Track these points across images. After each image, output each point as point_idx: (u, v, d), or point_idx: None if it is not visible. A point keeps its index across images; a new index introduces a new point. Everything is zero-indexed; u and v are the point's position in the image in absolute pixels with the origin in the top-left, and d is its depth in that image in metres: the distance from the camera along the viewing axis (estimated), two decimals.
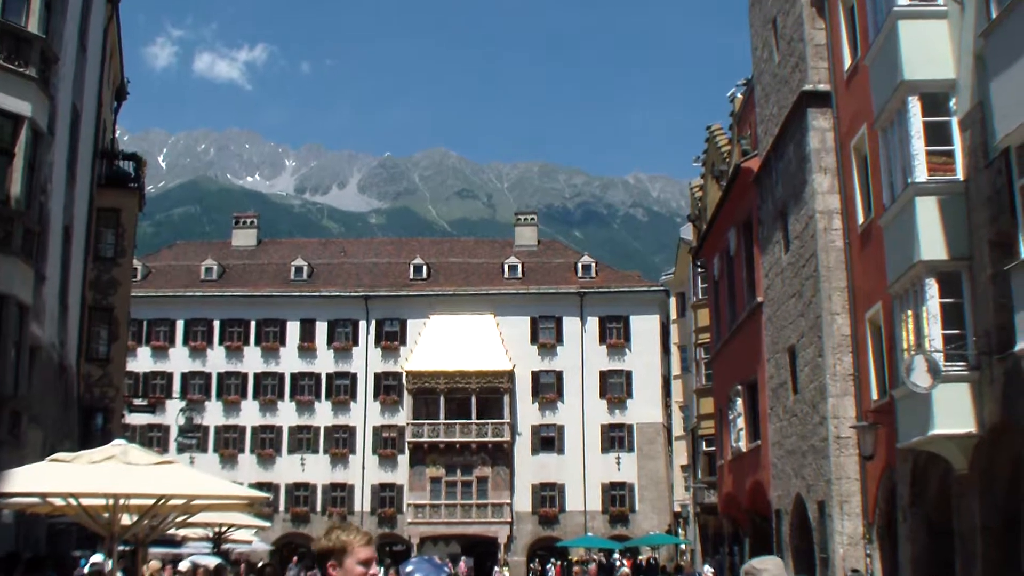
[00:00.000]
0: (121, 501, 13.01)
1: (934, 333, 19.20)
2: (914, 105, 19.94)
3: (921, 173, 19.69)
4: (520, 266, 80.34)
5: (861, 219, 25.92)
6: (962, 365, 18.95)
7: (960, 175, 19.57)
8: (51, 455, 13.59)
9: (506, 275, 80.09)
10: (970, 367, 18.88)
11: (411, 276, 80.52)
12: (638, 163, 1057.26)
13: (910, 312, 20.25)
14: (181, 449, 63.15)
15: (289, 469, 74.62)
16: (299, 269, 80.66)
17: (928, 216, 19.57)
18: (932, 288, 19.37)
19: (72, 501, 12.96)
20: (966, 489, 19.75)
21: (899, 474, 23.02)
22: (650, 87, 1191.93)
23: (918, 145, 19.80)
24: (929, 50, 19.98)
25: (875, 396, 25.03)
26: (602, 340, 76.54)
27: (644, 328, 76.64)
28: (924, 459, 21.47)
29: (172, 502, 13.30)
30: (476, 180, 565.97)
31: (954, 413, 18.93)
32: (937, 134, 19.99)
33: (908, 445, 20.72)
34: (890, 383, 23.55)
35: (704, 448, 50.35)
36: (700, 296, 50.80)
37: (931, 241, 19.47)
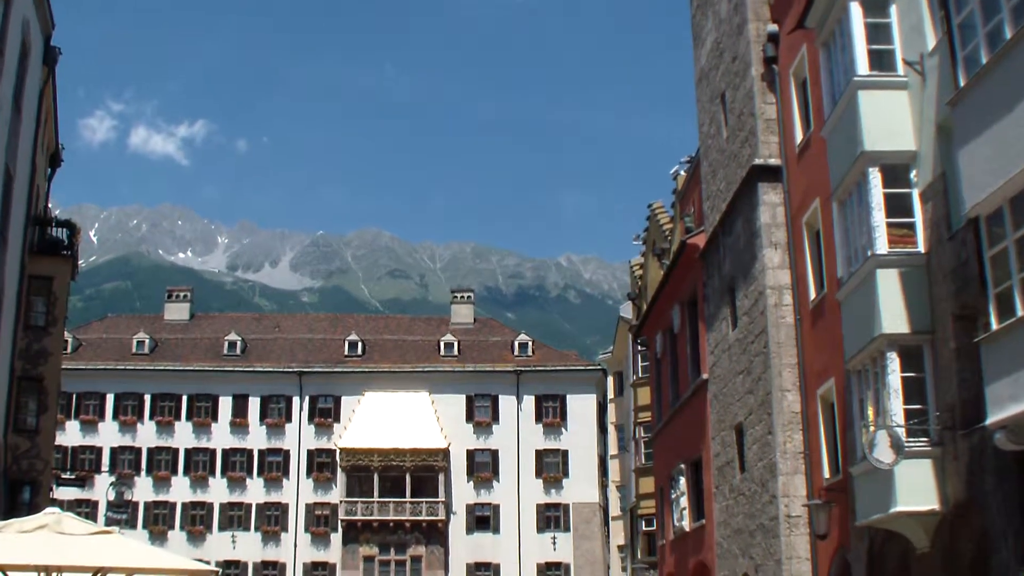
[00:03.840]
0: (54, 574, 12.12)
1: (895, 408, 18.81)
2: (875, 176, 19.70)
3: (882, 245, 19.42)
4: (456, 344, 79.82)
5: (813, 295, 25.62)
6: (924, 441, 18.55)
7: (921, 247, 19.33)
8: None
9: (442, 353, 79.54)
10: (932, 443, 18.48)
11: (346, 352, 79.75)
12: (570, 245, 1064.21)
13: (870, 387, 19.87)
14: (110, 524, 61.43)
15: (220, 547, 72.99)
16: (232, 344, 79.61)
17: (889, 289, 19.27)
18: (894, 362, 19.01)
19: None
20: (927, 569, 19.28)
21: (854, 554, 22.50)
22: (580, 170, 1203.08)
23: (879, 217, 19.53)
24: (890, 121, 19.79)
25: (827, 474, 24.59)
26: (538, 419, 76.12)
27: (581, 407, 76.36)
28: (882, 538, 20.98)
29: (110, 575, 12.42)
30: (409, 260, 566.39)
31: (916, 490, 18.49)
32: (897, 206, 19.75)
33: (868, 523, 20.23)
34: (843, 460, 23.14)
35: (643, 528, 49.67)
36: (640, 374, 50.37)
37: (893, 314, 19.14)
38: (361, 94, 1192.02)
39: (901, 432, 18.24)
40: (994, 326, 15.65)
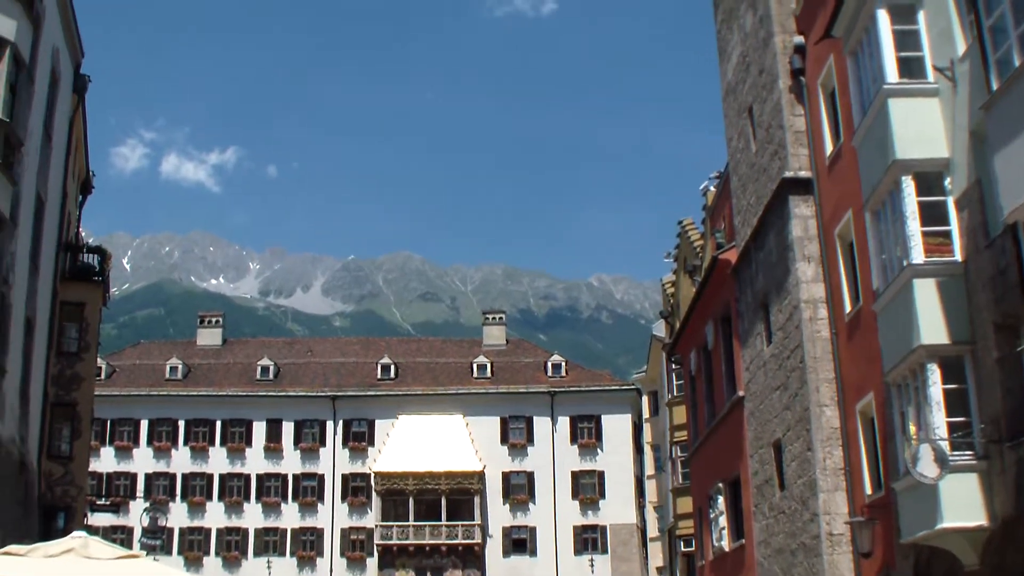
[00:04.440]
0: None
1: (938, 421, 18.41)
2: (908, 185, 19.38)
3: (918, 255, 19.08)
4: (489, 365, 79.60)
5: (848, 307, 25.25)
6: (969, 454, 18.14)
7: (958, 256, 18.97)
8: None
9: (475, 375, 79.32)
10: (978, 456, 18.07)
11: (379, 376, 79.64)
12: (601, 265, 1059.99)
13: (910, 400, 19.49)
14: (145, 550, 61.46)
15: (255, 572, 72.94)
16: (265, 369, 79.67)
17: (927, 299, 18.91)
18: (935, 374, 18.63)
19: None
20: None
21: (899, 572, 22.05)
22: (609, 189, 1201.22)
23: (914, 226, 19.20)
24: (921, 128, 19.48)
25: (869, 490, 24.17)
26: (573, 440, 75.71)
27: (616, 427, 75.95)
28: (927, 555, 20.54)
29: None
30: (440, 283, 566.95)
31: (963, 505, 18.05)
32: (932, 215, 19.42)
33: (913, 540, 19.80)
34: (885, 476, 22.74)
35: (682, 549, 49.16)
36: (675, 393, 49.93)
37: (931, 325, 18.78)
38: (389, 116, 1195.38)
39: (945, 446, 17.85)
40: None
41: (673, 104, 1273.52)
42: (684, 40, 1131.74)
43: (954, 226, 19.22)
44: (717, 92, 36.25)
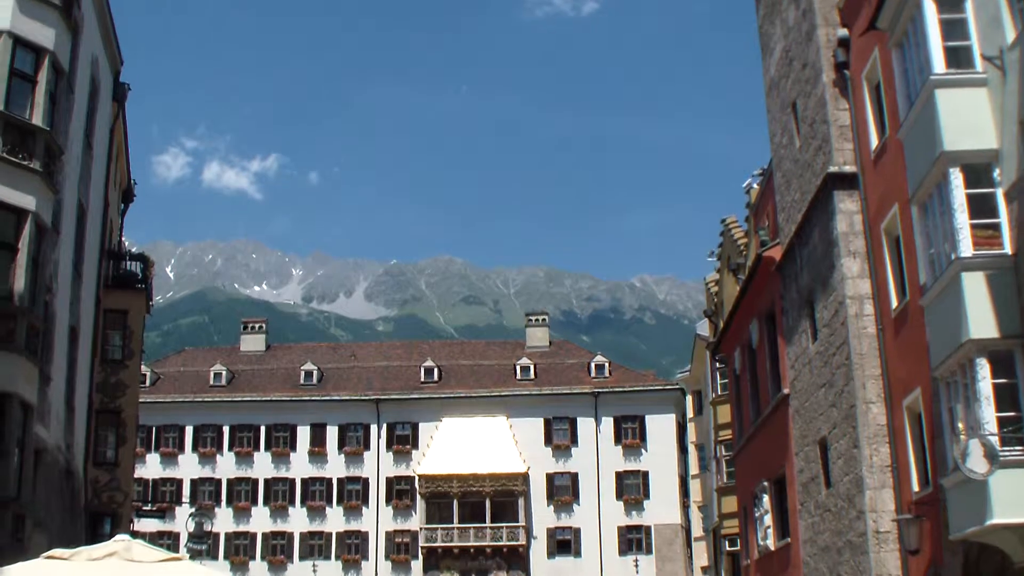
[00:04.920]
0: None
1: (987, 416, 18.15)
2: (956, 177, 19.12)
3: (967, 248, 18.80)
4: (532, 367, 79.52)
5: (895, 303, 24.95)
6: (1019, 450, 17.88)
7: (1008, 248, 18.69)
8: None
9: (518, 376, 79.26)
10: None
11: (422, 379, 79.74)
12: (643, 266, 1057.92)
13: (959, 395, 19.22)
14: (191, 556, 61.68)
15: None
16: (309, 373, 79.93)
17: (976, 292, 18.64)
18: (984, 368, 18.37)
19: None
20: None
21: (948, 569, 21.77)
22: (650, 189, 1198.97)
23: (962, 219, 18.93)
24: (969, 119, 19.21)
25: (916, 487, 23.87)
26: (617, 440, 75.54)
27: (660, 427, 75.72)
28: (977, 552, 20.25)
29: None
30: (482, 286, 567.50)
31: (1013, 501, 17.78)
32: (980, 207, 19.14)
33: (962, 536, 19.52)
34: (933, 473, 22.45)
35: (727, 548, 48.91)
36: (720, 392, 49.68)
37: (980, 319, 18.51)
38: (429, 119, 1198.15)
39: (995, 441, 17.59)
40: None
41: (716, 102, 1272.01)
42: (726, 37, 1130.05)
43: (1003, 218, 18.93)
44: (760, 88, 36.03)
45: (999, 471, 17.54)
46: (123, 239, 41.63)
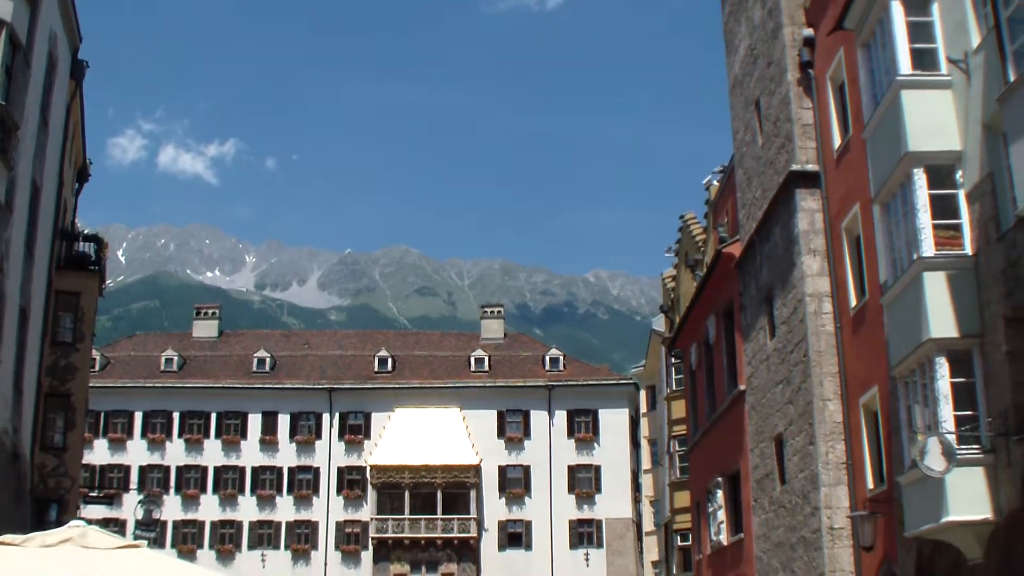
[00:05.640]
0: None
1: (945, 415, 18.24)
2: (920, 177, 19.18)
3: (928, 247, 18.87)
4: (487, 359, 79.39)
5: (854, 301, 25.08)
6: (976, 448, 17.99)
7: (969, 249, 18.78)
8: None
9: (472, 368, 79.09)
10: (984, 450, 17.91)
11: (376, 369, 79.41)
12: (598, 261, 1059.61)
13: (918, 394, 19.30)
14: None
15: (250, 565, 72.58)
16: (261, 361, 79.42)
17: (937, 292, 18.72)
18: (943, 367, 18.44)
19: None
20: None
21: (902, 566, 21.88)
22: (607, 185, 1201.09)
23: (924, 219, 19.00)
24: (934, 121, 19.28)
25: (871, 485, 24.04)
26: (570, 434, 75.55)
27: (613, 422, 75.79)
28: (931, 549, 20.36)
29: None
30: (436, 278, 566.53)
31: (969, 499, 17.90)
32: (942, 208, 19.21)
33: (917, 534, 19.61)
34: (888, 470, 22.59)
35: (679, 543, 49.08)
36: (675, 387, 49.81)
37: (941, 318, 18.59)
38: (390, 110, 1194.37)
39: (952, 439, 17.68)
40: None
41: (677, 101, 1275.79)
42: (689, 36, 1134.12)
43: (965, 219, 19.03)
44: (723, 87, 36.05)
45: (956, 469, 17.64)
46: (76, 219, 41.07)
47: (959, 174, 19.17)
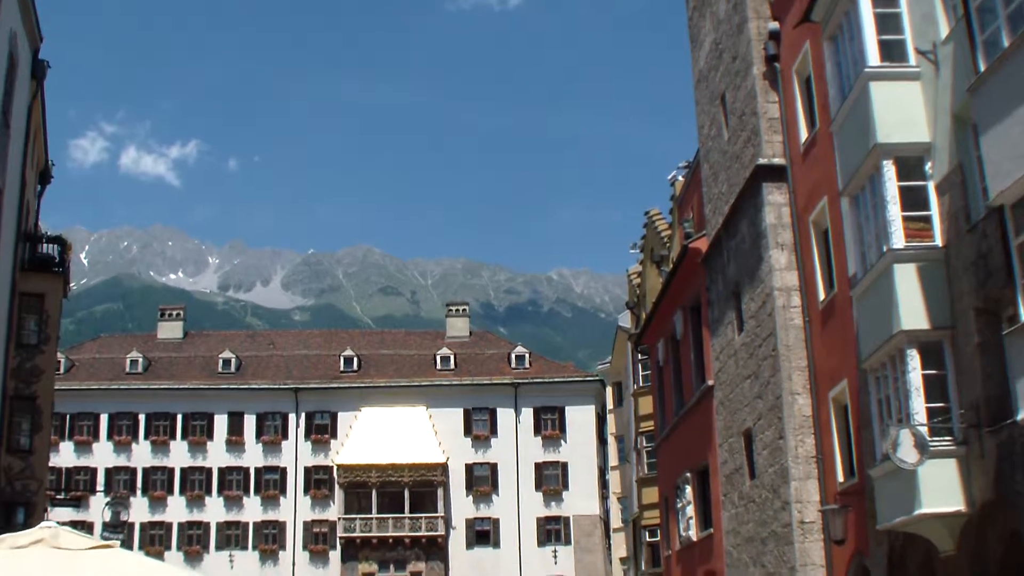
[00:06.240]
0: None
1: (917, 407, 18.28)
2: (889, 169, 19.21)
3: (899, 239, 18.91)
4: (453, 357, 79.30)
5: (822, 295, 25.12)
6: (948, 440, 18.04)
7: (939, 241, 18.83)
8: None
9: (438, 366, 79.00)
10: (956, 442, 17.96)
11: (341, 368, 79.19)
12: (561, 259, 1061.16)
13: (888, 386, 19.34)
14: None
15: (218, 566, 72.11)
16: (227, 361, 79.06)
17: (907, 284, 18.76)
18: (914, 359, 18.48)
19: None
20: (953, 572, 18.71)
21: (873, 559, 21.94)
22: (569, 183, 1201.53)
23: (894, 211, 19.03)
24: (903, 112, 19.31)
25: (841, 478, 24.09)
26: (537, 431, 75.59)
27: (580, 419, 75.89)
28: (902, 541, 20.42)
29: None
30: (400, 277, 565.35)
31: (941, 491, 17.95)
32: (912, 200, 19.25)
33: (889, 527, 19.66)
34: (859, 463, 22.64)
35: (647, 539, 49.02)
36: (642, 383, 49.76)
37: (912, 310, 18.63)
38: (351, 110, 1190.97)
39: (924, 431, 17.70)
40: (1022, 318, 15.14)
41: (639, 98, 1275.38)
42: (652, 32, 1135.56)
43: (935, 211, 19.08)
44: (687, 83, 36.07)
45: (928, 461, 17.67)
46: (39, 222, 40.68)
47: (928, 165, 19.23)
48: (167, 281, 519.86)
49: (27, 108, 33.12)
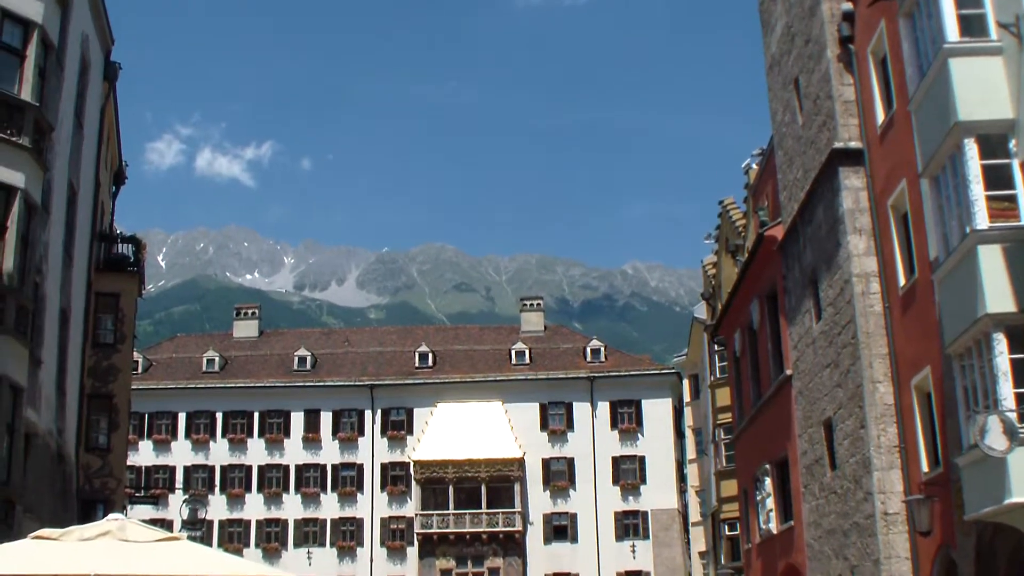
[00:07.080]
0: None
1: (1005, 392, 17.68)
2: (971, 147, 18.61)
3: (983, 220, 18.30)
4: (528, 352, 79.06)
5: (902, 280, 24.49)
6: None
7: None
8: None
9: (514, 361, 78.78)
10: None
11: (416, 364, 79.25)
12: (635, 253, 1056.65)
13: (975, 371, 18.74)
14: None
15: (296, 563, 72.37)
16: (302, 359, 79.44)
17: (992, 266, 18.15)
18: (1001, 343, 17.88)
19: None
20: None
21: (960, 550, 21.32)
22: (641, 177, 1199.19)
23: (977, 190, 18.43)
24: (984, 89, 18.70)
25: (925, 468, 23.45)
26: (613, 425, 75.13)
27: (656, 412, 75.34)
28: (991, 532, 19.81)
29: None
30: (474, 273, 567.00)
31: None
32: (995, 178, 18.64)
33: (977, 517, 19.06)
34: (943, 452, 22.02)
35: (727, 532, 48.51)
36: (719, 375, 49.20)
37: (997, 292, 18.02)
38: (423, 108, 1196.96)
39: (1013, 417, 17.13)
40: None
41: (710, 89, 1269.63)
42: (721, 22, 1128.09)
43: (1020, 190, 18.46)
44: (759, 71, 35.49)
45: (1018, 448, 17.09)
46: (114, 223, 41.01)
47: (1012, 143, 18.60)
48: (243, 282, 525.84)
49: (100, 110, 33.38)
